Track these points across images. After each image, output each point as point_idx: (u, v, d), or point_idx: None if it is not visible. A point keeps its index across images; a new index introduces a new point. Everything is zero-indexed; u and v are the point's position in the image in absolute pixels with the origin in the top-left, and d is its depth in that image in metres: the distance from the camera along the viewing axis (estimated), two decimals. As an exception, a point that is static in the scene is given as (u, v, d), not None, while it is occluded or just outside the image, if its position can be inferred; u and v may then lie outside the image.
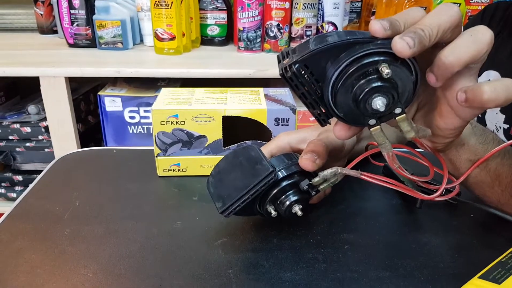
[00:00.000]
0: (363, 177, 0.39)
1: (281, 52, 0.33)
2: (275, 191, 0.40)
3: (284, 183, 0.40)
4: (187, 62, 1.13)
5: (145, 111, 1.08)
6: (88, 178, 0.56)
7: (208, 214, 0.47)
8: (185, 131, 0.53)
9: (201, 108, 0.53)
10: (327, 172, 0.38)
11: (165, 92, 0.59)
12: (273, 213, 0.41)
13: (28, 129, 1.16)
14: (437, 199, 0.37)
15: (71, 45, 1.26)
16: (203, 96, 0.57)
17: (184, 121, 0.53)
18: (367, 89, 0.30)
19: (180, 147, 0.54)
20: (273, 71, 1.04)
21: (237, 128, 0.57)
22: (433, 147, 0.39)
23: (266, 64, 1.09)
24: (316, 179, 0.39)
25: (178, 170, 0.56)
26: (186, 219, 0.46)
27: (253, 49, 1.22)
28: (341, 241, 0.43)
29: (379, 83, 0.30)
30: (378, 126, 0.33)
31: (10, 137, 1.18)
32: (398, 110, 0.32)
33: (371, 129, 0.33)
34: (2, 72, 1.03)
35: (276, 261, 0.40)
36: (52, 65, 1.03)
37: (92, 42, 1.24)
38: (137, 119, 1.09)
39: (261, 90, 0.60)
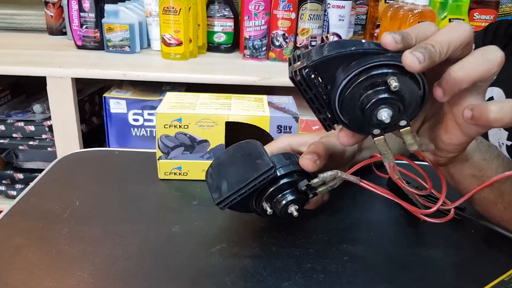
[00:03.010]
0: (362, 184, 0.38)
1: (292, 55, 0.33)
2: (272, 188, 0.39)
3: (282, 181, 0.39)
4: (193, 67, 1.13)
5: (149, 114, 1.07)
6: (90, 178, 0.56)
7: (208, 219, 0.46)
8: (188, 135, 0.53)
9: (205, 113, 0.52)
10: (327, 174, 0.38)
11: (170, 96, 0.58)
12: (269, 210, 0.40)
13: (32, 128, 1.15)
14: (431, 220, 0.37)
15: (79, 47, 1.26)
16: (207, 101, 0.57)
17: (187, 125, 0.52)
18: (374, 100, 0.30)
19: (182, 151, 0.54)
20: (278, 79, 1.03)
21: (240, 134, 0.56)
22: (435, 161, 0.39)
23: (271, 72, 1.09)
24: (315, 180, 0.39)
25: (179, 173, 0.55)
26: (185, 223, 0.46)
27: (258, 57, 1.22)
28: (341, 252, 0.42)
29: (386, 95, 0.30)
30: (382, 136, 0.32)
31: (14, 135, 1.17)
32: (403, 123, 0.32)
33: (375, 139, 0.33)
34: (10, 71, 1.03)
35: (274, 269, 0.39)
36: (59, 65, 1.03)
37: (100, 45, 1.24)
38: (140, 122, 1.08)
39: (264, 98, 0.60)
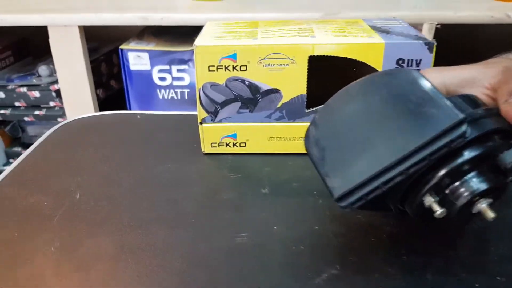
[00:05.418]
0: None
1: None
2: (454, 164, 0.21)
3: (472, 152, 0.21)
4: (232, 7, 0.95)
5: (178, 70, 0.91)
6: (99, 155, 0.40)
7: (294, 221, 0.29)
8: (247, 82, 0.36)
9: (275, 44, 0.34)
10: None
11: (213, 26, 0.41)
12: (439, 211, 0.22)
13: (36, 94, 1.02)
14: None
15: (88, -8, 1.10)
16: (273, 28, 0.39)
17: (245, 66, 0.35)
18: None
19: (239, 109, 0.37)
20: (349, 14, 0.83)
21: (329, 79, 0.38)
22: None
23: (338, 6, 0.89)
24: None
25: (234, 144, 0.39)
26: (256, 228, 0.29)
27: (316, -9, 1.02)
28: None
29: None
30: None
31: (16, 104, 1.05)
32: None
33: None
34: (1, 20, 0.89)
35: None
36: (63, 11, 0.88)
37: (114, -12, 1.08)
38: (168, 81, 0.93)
39: (361, 21, 0.41)
